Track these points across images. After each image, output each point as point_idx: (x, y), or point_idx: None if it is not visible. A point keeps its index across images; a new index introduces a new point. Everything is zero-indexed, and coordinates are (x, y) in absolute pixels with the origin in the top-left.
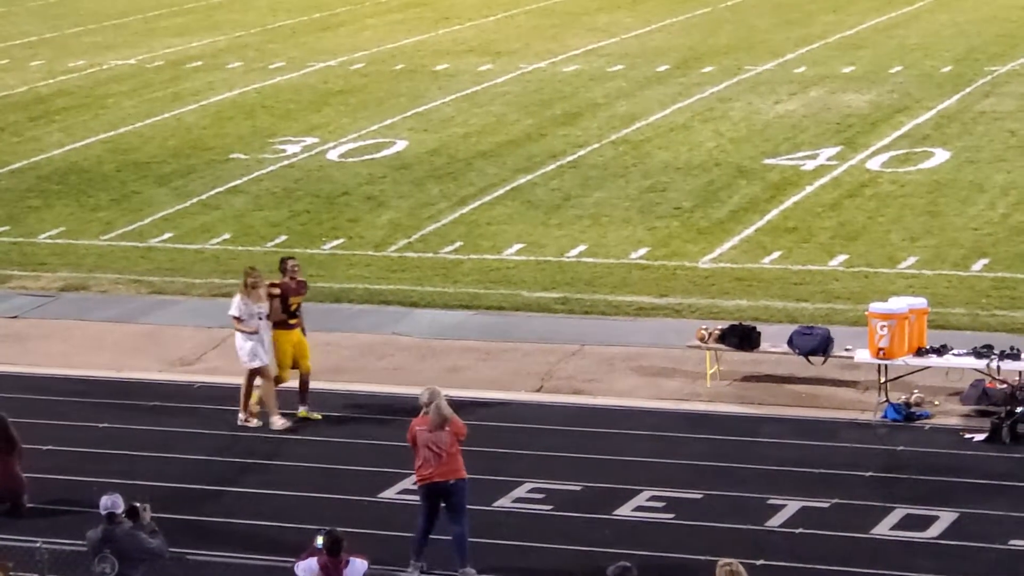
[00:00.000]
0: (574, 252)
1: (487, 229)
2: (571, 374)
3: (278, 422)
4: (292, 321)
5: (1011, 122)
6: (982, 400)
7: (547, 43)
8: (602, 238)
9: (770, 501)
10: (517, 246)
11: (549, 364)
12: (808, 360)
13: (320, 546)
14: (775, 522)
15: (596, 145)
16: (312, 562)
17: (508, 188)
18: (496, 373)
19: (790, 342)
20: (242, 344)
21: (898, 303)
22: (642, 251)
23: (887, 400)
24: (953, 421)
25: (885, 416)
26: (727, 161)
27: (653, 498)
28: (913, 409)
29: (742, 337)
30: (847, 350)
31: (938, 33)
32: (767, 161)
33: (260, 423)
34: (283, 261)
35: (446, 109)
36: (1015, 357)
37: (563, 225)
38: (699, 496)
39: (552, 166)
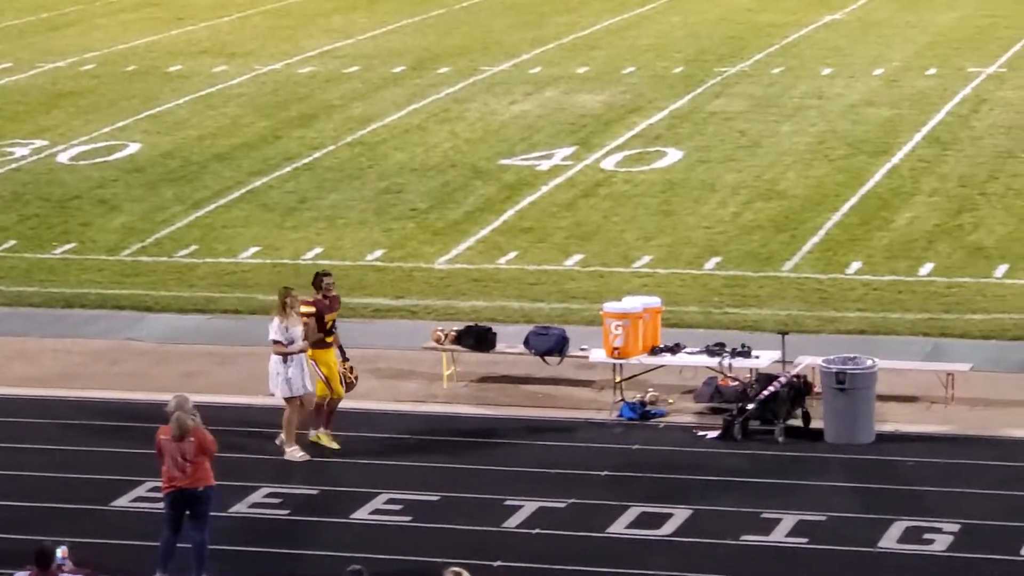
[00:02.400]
0: (310, 254)
1: (222, 232)
2: None
3: (297, 454)
4: (328, 339)
5: (741, 122)
6: (715, 398)
7: (282, 44)
8: (338, 240)
9: (507, 502)
10: (253, 249)
11: None
12: (544, 360)
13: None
14: (512, 523)
15: (332, 147)
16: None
17: (243, 191)
18: (232, 378)
19: (526, 343)
20: (279, 370)
21: (632, 302)
22: (378, 253)
23: (622, 399)
24: (687, 419)
25: (621, 415)
26: (463, 162)
27: (390, 500)
28: (648, 408)
29: (478, 338)
30: (583, 350)
31: (669, 34)
32: (502, 162)
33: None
34: (318, 277)
35: (180, 111)
36: (746, 355)
37: (299, 227)
38: (436, 498)
39: (288, 168)
